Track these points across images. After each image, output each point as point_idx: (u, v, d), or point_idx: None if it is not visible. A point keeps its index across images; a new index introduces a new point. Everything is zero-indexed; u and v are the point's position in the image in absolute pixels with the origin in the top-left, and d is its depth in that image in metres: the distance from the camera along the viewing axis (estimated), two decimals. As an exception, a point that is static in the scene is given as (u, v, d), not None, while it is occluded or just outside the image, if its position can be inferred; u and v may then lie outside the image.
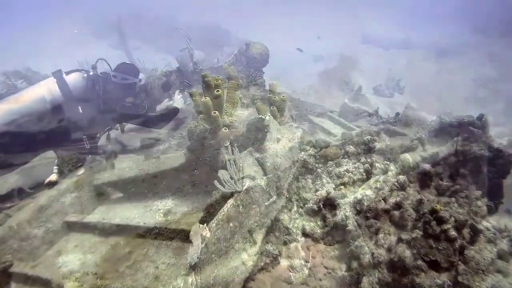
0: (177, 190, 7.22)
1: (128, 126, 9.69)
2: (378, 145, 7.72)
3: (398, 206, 5.91)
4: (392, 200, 6.12)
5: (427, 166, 6.57)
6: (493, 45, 28.48)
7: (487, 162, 10.68)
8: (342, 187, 7.57)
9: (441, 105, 24.51)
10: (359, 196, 6.74)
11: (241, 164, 5.46)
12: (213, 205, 5.47)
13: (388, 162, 7.78)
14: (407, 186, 6.40)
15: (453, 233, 4.94)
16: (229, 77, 8.10)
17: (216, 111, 5.95)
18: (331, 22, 45.02)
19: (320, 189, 7.58)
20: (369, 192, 6.69)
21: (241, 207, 5.38)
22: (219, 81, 6.16)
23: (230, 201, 5.16)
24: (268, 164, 6.23)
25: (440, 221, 4.97)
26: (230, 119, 6.66)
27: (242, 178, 5.46)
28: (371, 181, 7.07)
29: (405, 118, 16.95)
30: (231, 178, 5.47)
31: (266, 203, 6.07)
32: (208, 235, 4.73)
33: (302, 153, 8.63)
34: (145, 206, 6.90)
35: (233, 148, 5.70)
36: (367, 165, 7.81)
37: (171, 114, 9.34)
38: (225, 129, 6.14)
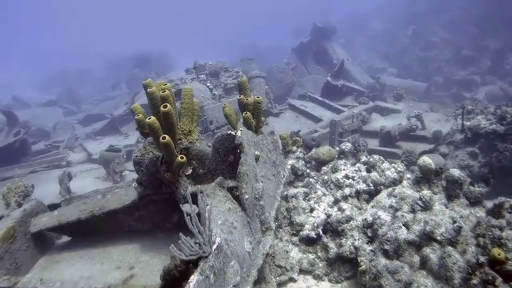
0: (130, 235, 5.44)
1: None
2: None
3: (430, 238, 4.18)
4: (417, 228, 4.38)
5: (456, 173, 4.80)
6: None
7: (501, 138, 9.08)
8: (344, 202, 5.81)
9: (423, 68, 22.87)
10: (369, 218, 4.98)
11: (207, 216, 3.62)
12: (173, 271, 3.65)
13: (396, 163, 6.02)
14: (433, 205, 4.64)
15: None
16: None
17: (166, 136, 4.07)
18: None
19: (316, 207, 5.81)
20: (382, 214, 4.93)
21: (212, 276, 3.57)
22: (167, 91, 4.25)
23: (194, 277, 3.33)
24: (246, 197, 4.40)
25: (509, 277, 3.22)
26: (190, 138, 4.78)
27: (210, 235, 3.63)
28: (382, 195, 5.30)
29: (397, 93, 15.30)
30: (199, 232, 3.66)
31: (247, 249, 4.28)
32: None
33: (290, 162, 6.85)
34: (94, 260, 5.12)
35: (190, 194, 3.86)
36: (374, 173, 6.04)
37: None
38: (181, 157, 4.26)
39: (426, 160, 4.90)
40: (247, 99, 5.21)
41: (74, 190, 9.51)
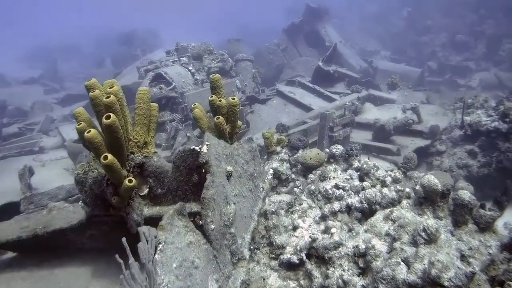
0: (82, 255, 4.57)
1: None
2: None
3: (435, 283, 3.34)
4: (419, 267, 3.53)
5: (466, 196, 3.93)
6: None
7: (503, 137, 8.26)
8: (332, 218, 4.95)
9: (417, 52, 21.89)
10: (361, 245, 4.13)
11: (152, 268, 2.73)
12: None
13: (398, 176, 5.15)
14: (439, 237, 3.78)
15: None
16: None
17: (109, 155, 3.14)
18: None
19: (300, 223, 4.95)
20: (377, 243, 4.07)
21: None
22: (112, 97, 3.28)
23: None
24: (213, 227, 3.51)
25: None
26: (145, 151, 3.84)
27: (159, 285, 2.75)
28: (378, 217, 4.42)
29: (391, 81, 14.33)
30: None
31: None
32: None
33: (273, 165, 5.96)
34: (37, 284, 4.31)
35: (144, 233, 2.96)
36: (366, 183, 5.18)
37: None
38: (129, 180, 3.33)
39: (431, 180, 4.02)
40: (220, 101, 4.26)
41: (39, 183, 8.59)
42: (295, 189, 5.50)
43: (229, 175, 3.98)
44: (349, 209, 4.98)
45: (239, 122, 4.50)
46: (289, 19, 20.50)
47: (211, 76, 4.31)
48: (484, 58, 19.50)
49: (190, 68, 10.82)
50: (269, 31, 26.47)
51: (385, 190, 4.53)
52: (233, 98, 4.21)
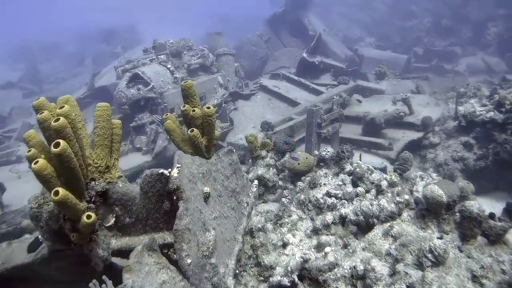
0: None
1: None
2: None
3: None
4: (428, 294, 3.06)
5: (475, 208, 3.47)
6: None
7: (499, 128, 7.83)
8: (325, 231, 4.47)
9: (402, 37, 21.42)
10: (359, 266, 3.65)
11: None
12: None
13: (394, 179, 4.69)
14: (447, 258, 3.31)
15: None
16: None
17: (60, 189, 2.60)
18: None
19: (290, 239, 4.46)
20: (377, 264, 3.58)
21: None
22: (62, 119, 2.72)
23: None
24: (189, 261, 3.00)
25: None
26: (108, 176, 3.29)
27: None
28: (377, 233, 3.94)
29: (379, 70, 13.81)
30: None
31: None
32: None
33: (258, 172, 5.47)
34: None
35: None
36: (361, 188, 4.71)
37: None
38: (88, 216, 2.80)
39: (435, 191, 3.54)
40: (194, 111, 3.72)
41: (13, 198, 8.02)
42: (283, 199, 5.00)
43: (206, 197, 3.46)
44: (343, 220, 4.50)
45: (217, 133, 3.97)
46: (275, 7, 19.87)
47: (182, 83, 3.76)
48: (470, 42, 19.09)
49: (168, 66, 10.22)
50: (253, 21, 25.75)
51: (383, 201, 4.04)
52: (208, 108, 3.68)
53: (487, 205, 7.14)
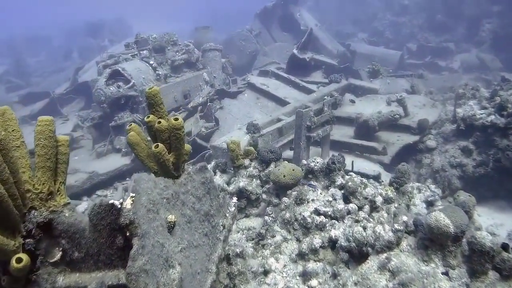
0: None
1: None
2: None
3: None
4: None
5: (487, 241, 2.93)
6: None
7: (501, 133, 7.32)
8: (313, 257, 3.92)
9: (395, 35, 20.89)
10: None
11: None
12: None
13: (390, 194, 4.15)
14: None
15: None
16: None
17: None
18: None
19: (273, 264, 3.91)
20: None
21: None
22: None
23: None
24: (145, 312, 2.43)
25: None
26: (51, 204, 2.70)
27: None
28: (371, 266, 3.38)
29: (372, 68, 13.23)
30: None
31: None
32: None
33: (240, 184, 4.91)
34: None
35: None
36: (353, 205, 4.17)
37: None
38: (18, 259, 2.23)
39: (440, 219, 2.99)
40: (160, 122, 3.14)
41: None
42: (266, 217, 4.44)
43: (171, 227, 2.89)
44: (333, 243, 3.95)
45: (188, 147, 3.38)
46: (264, 1, 19.22)
47: (146, 89, 3.17)
48: (464, 39, 18.61)
49: (151, 62, 9.59)
50: (244, 14, 25.05)
51: (379, 228, 3.48)
52: (176, 119, 3.09)
53: (486, 215, 6.65)
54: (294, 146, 7.09)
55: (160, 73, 9.50)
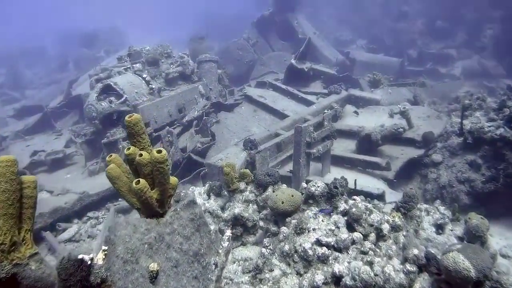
0: None
1: None
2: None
3: None
4: None
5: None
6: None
7: (511, 147, 6.98)
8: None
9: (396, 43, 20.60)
10: None
11: None
12: None
13: (397, 222, 3.82)
14: None
15: None
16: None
17: None
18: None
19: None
20: None
21: None
22: None
23: None
24: None
25: None
26: (14, 256, 2.36)
27: None
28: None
29: (373, 77, 12.93)
30: None
31: None
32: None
33: (235, 210, 4.57)
34: None
35: None
36: (357, 234, 3.83)
37: None
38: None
39: (459, 262, 2.65)
40: (141, 155, 2.80)
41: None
42: (263, 250, 4.09)
43: (154, 276, 2.55)
44: (337, 279, 3.60)
45: (174, 179, 3.05)
46: (260, 8, 18.91)
47: (126, 118, 2.84)
48: (465, 45, 18.31)
49: (144, 75, 9.25)
50: (241, 21, 24.74)
51: (388, 269, 3.14)
52: (159, 151, 2.75)
53: (498, 235, 6.27)
54: (293, 163, 6.75)
55: (154, 86, 9.17)
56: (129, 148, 2.88)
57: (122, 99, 8.55)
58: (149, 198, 2.82)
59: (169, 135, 8.26)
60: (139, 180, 2.76)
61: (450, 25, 19.28)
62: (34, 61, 31.05)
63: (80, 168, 9.70)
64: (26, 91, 22.74)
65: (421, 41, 19.27)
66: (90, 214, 7.57)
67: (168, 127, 8.73)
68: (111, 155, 3.12)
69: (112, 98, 8.66)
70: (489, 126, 6.69)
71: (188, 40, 15.44)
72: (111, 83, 8.71)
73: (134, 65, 9.64)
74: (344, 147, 8.05)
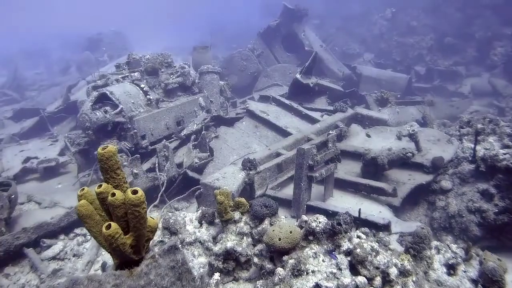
0: None
1: None
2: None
3: None
4: None
5: None
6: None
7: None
8: None
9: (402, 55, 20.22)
10: None
11: None
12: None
13: (407, 266, 3.40)
14: None
15: None
16: None
17: None
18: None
19: None
20: None
21: None
22: None
23: None
24: None
25: None
26: None
27: None
28: None
29: (381, 96, 12.49)
30: None
31: None
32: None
33: (228, 244, 4.15)
34: None
35: None
36: (361, 278, 3.41)
37: None
38: None
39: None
40: (114, 195, 2.39)
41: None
42: (257, 291, 3.67)
43: None
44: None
45: (153, 222, 2.64)
46: (265, 17, 18.57)
47: (98, 150, 2.44)
48: (475, 62, 17.92)
49: (142, 85, 8.87)
50: (247, 31, 24.43)
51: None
52: (135, 191, 2.34)
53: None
54: (294, 187, 6.34)
55: (152, 97, 8.78)
56: (100, 185, 2.47)
57: (118, 110, 8.17)
58: (121, 245, 2.40)
59: (165, 149, 7.86)
60: (109, 224, 2.35)
61: (459, 41, 18.90)
62: (36, 63, 30.92)
63: (72, 178, 9.33)
64: (26, 92, 22.50)
65: (429, 57, 18.88)
66: (77, 230, 7.17)
67: (165, 140, 8.35)
68: (83, 189, 2.70)
69: (107, 108, 8.28)
70: (504, 154, 6.26)
71: (191, 50, 15.09)
72: (107, 92, 8.33)
73: (132, 74, 9.25)
74: (348, 169, 7.64)
